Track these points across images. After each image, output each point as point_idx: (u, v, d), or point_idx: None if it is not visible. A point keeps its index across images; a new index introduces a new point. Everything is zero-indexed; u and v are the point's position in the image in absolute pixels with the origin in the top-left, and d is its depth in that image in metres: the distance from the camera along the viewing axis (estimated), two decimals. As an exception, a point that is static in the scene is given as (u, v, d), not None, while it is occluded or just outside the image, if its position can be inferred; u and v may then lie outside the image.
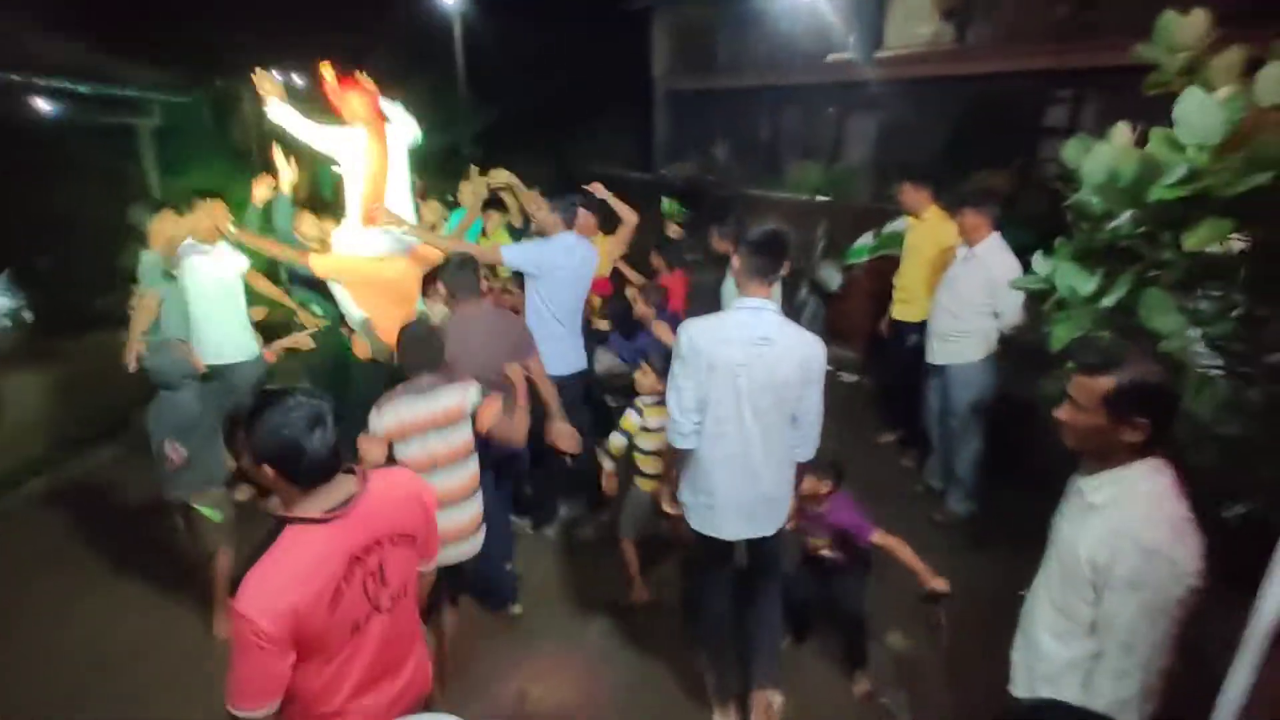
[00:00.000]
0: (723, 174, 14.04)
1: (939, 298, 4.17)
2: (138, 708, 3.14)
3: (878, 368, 6.07)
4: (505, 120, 15.23)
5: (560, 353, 3.88)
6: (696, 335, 2.54)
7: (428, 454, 2.77)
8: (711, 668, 3.05)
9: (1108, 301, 2.37)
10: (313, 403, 1.64)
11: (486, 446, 3.03)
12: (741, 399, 2.49)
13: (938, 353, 4.20)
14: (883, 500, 3.71)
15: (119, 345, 4.23)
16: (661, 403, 3.24)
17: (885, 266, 5.97)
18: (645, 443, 3.54)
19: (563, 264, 3.86)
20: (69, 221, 7.23)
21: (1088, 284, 2.42)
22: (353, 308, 3.97)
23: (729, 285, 4.17)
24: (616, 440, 3.57)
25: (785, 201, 8.84)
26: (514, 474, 3.77)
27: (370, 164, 3.84)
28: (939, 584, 2.81)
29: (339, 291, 4.01)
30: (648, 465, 3.56)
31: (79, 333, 6.48)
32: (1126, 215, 2.37)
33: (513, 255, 3.88)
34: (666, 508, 3.05)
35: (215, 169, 9.55)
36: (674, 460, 2.81)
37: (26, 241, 6.89)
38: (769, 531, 2.72)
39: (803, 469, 2.74)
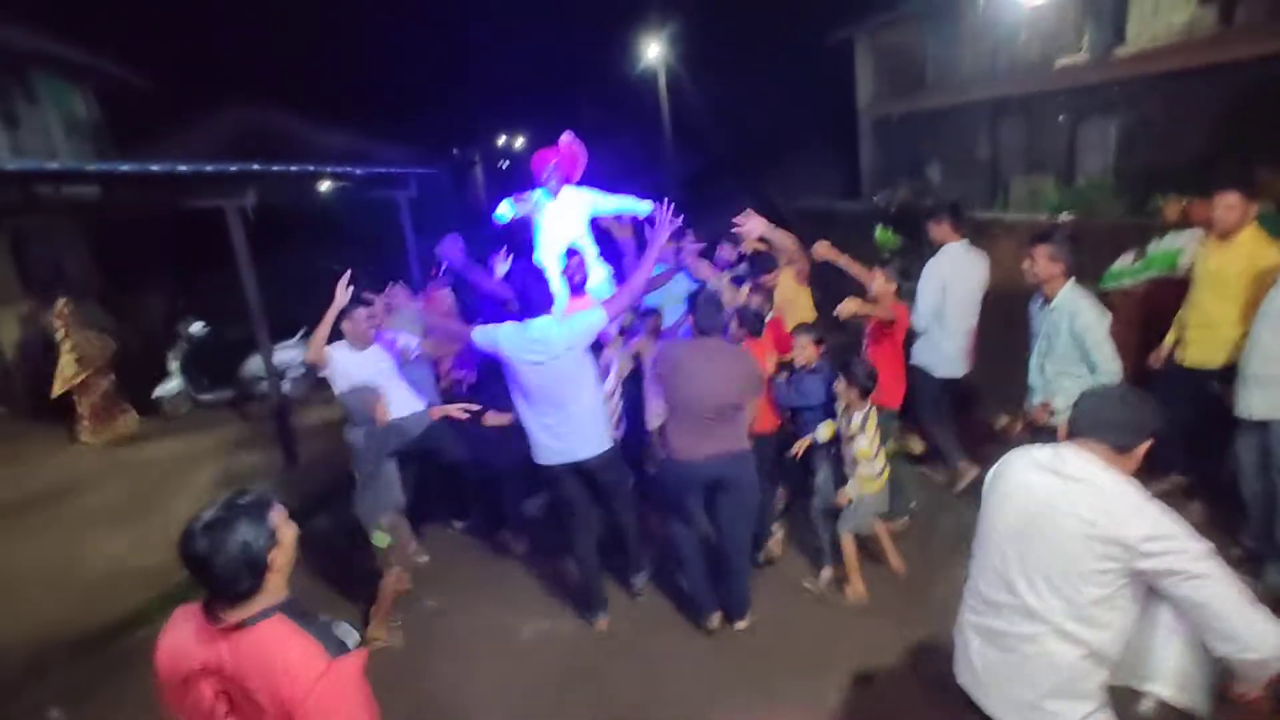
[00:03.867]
0: (938, 197, 13.28)
1: (1257, 336, 3.45)
2: None
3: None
4: (711, 162, 15.57)
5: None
6: (947, 265, 4.62)
7: None
8: None
9: None
10: (226, 520, 1.62)
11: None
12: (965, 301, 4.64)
13: (1256, 404, 3.48)
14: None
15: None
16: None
17: (1153, 291, 5.25)
18: (865, 461, 3.83)
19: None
20: (350, 282, 8.39)
21: None
22: None
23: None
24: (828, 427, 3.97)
25: (1019, 224, 8.12)
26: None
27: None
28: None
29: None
30: (865, 467, 3.85)
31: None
32: None
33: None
34: None
35: (456, 229, 10.71)
36: None
37: (317, 302, 8.06)
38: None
39: None
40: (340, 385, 4.13)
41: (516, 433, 3.89)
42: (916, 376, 4.78)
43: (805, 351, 4.08)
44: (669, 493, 3.69)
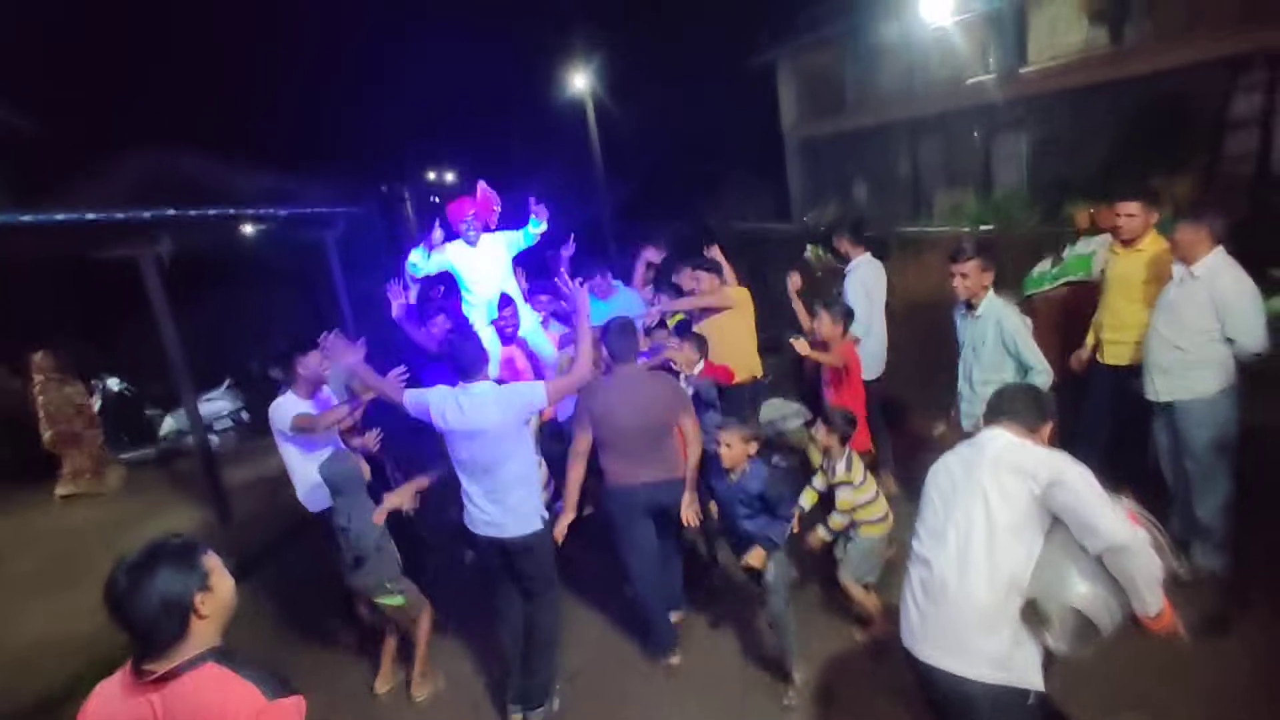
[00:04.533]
0: (866, 214, 13.68)
1: (1155, 326, 3.68)
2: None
3: (1077, 411, 5.49)
4: (644, 190, 15.73)
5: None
6: (864, 274, 4.98)
7: None
8: None
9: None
10: (149, 563, 1.58)
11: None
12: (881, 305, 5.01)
13: (1159, 387, 3.70)
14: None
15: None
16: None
17: (1071, 295, 5.48)
18: (862, 495, 3.59)
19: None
20: (275, 326, 8.14)
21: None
22: None
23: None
24: (837, 519, 3.59)
25: (944, 237, 8.42)
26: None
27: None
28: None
29: None
30: (870, 513, 3.61)
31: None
32: None
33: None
34: None
35: (384, 266, 10.53)
36: None
37: (243, 348, 7.79)
38: None
39: None
40: (282, 443, 3.90)
41: (435, 495, 3.79)
42: None
43: (732, 451, 3.35)
44: (615, 521, 3.63)
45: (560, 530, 3.51)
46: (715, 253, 5.25)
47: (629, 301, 5.28)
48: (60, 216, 4.72)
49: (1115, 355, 4.20)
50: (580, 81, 17.09)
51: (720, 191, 15.88)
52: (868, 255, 5.21)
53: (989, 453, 2.24)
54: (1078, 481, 2.09)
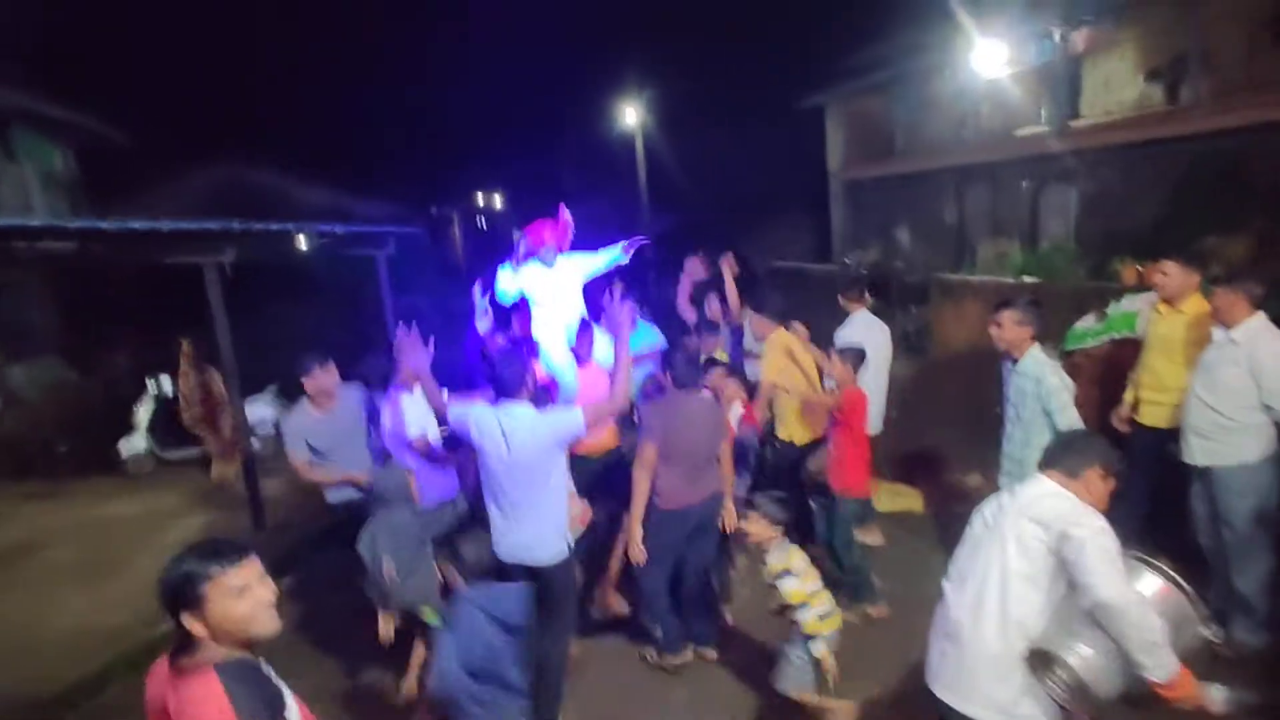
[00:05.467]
0: (908, 259, 13.65)
1: (1193, 388, 3.63)
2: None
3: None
4: (687, 223, 15.89)
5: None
6: (854, 331, 4.96)
7: None
8: None
9: None
10: (179, 557, 1.69)
11: None
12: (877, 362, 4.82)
13: (1196, 452, 3.63)
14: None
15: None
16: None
17: (1114, 352, 5.43)
18: (810, 583, 3.28)
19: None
20: (323, 339, 8.37)
21: None
22: None
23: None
24: (807, 617, 3.22)
25: (985, 285, 8.36)
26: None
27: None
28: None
29: None
30: (815, 606, 3.24)
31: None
32: None
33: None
34: None
35: (434, 286, 10.82)
36: None
37: (289, 358, 8.02)
38: None
39: None
40: (294, 449, 4.06)
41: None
42: None
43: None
44: (658, 542, 3.77)
45: (635, 543, 3.75)
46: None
47: (646, 336, 5.37)
48: (136, 224, 4.99)
49: (1154, 416, 4.15)
50: (630, 113, 17.42)
51: (762, 228, 15.98)
52: (864, 312, 5.28)
53: (1020, 500, 2.28)
54: (1088, 537, 2.09)
